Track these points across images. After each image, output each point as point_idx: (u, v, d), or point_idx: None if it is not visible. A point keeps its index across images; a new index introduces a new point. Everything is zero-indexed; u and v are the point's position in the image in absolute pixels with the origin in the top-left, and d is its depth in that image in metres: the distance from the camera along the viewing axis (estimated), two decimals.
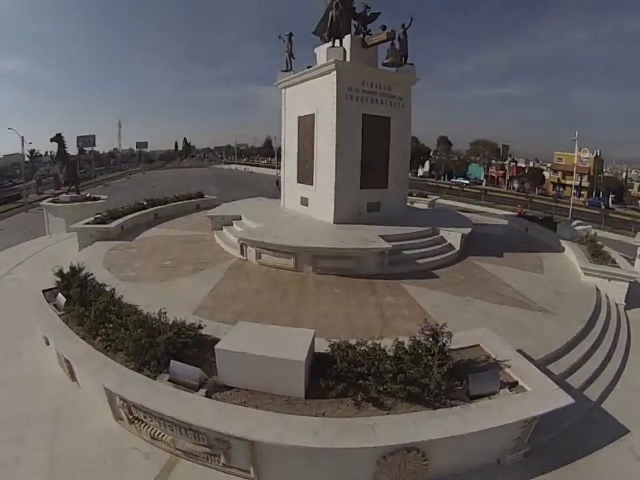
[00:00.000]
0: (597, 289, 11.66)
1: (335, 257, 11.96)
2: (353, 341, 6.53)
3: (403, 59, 15.76)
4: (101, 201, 22.41)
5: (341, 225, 14.30)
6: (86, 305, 7.84)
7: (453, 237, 14.29)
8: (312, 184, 15.63)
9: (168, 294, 10.09)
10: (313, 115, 15.16)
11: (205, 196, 24.56)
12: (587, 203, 60.81)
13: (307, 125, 15.74)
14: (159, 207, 20.73)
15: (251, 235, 13.09)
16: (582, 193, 68.84)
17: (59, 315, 8.08)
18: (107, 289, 8.94)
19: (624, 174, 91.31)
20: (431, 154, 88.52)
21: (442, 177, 79.90)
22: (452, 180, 75.34)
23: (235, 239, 13.29)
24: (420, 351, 6.13)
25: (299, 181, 16.62)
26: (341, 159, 14.10)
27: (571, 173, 73.37)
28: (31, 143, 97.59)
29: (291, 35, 17.09)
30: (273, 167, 70.38)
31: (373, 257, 11.93)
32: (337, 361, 6.02)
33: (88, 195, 24.23)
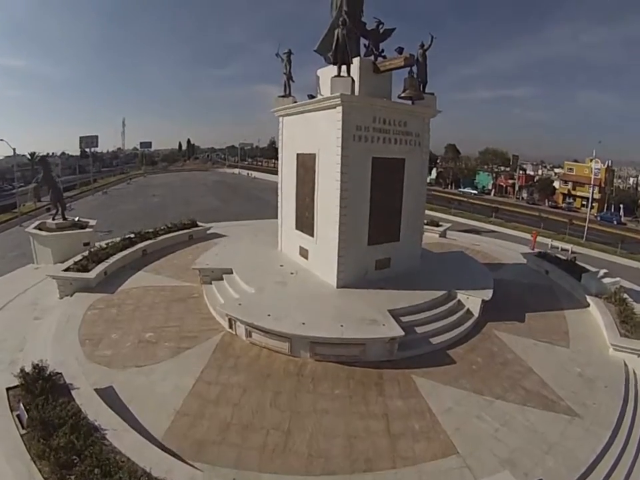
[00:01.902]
0: (625, 365, 10.81)
1: (336, 344, 10.15)
2: None
3: (422, 86, 13.59)
4: (88, 230, 20.76)
5: (345, 291, 12.59)
6: (48, 430, 6.71)
7: (472, 301, 12.70)
8: (312, 235, 13.82)
9: (144, 390, 8.79)
10: (314, 155, 13.31)
11: (199, 224, 22.88)
12: (598, 218, 58.65)
13: (307, 165, 13.88)
14: (148, 241, 19.13)
15: (240, 311, 11.14)
16: (593, 205, 66.60)
17: (22, 434, 6.86)
18: (76, 391, 7.96)
19: (631, 179, 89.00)
20: (438, 161, 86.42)
21: (449, 186, 77.86)
22: (460, 189, 73.37)
23: (224, 309, 11.58)
24: None
25: (297, 228, 14.83)
26: (346, 211, 12.26)
27: (582, 184, 71.61)
28: (24, 155, 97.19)
29: (290, 53, 14.99)
30: (277, 173, 68.35)
31: (381, 343, 10.17)
32: None
33: (77, 219, 22.55)
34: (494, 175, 78.95)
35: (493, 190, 77.09)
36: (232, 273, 13.99)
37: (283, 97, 15.38)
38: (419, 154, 13.88)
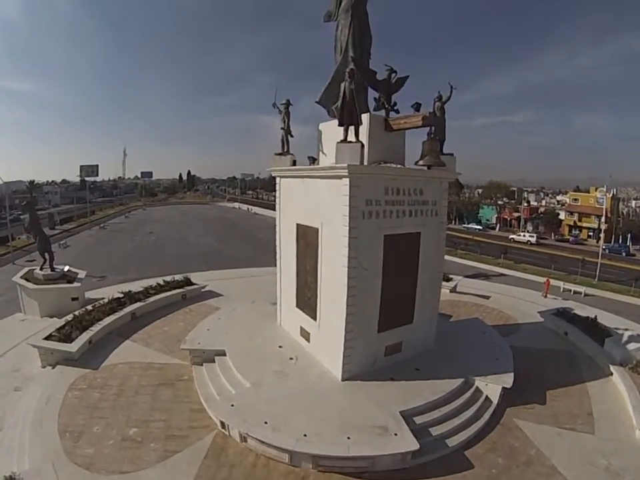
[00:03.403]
0: None
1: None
2: None
3: (440, 144, 12.03)
4: (76, 285, 19.50)
5: (351, 385, 10.97)
6: None
7: (491, 387, 11.47)
8: (315, 318, 12.12)
9: None
10: (317, 229, 11.65)
11: (193, 283, 21.28)
12: (607, 251, 56.95)
13: (308, 239, 12.25)
14: (138, 304, 17.80)
15: (233, 415, 9.65)
16: (600, 235, 65.01)
17: None
18: None
19: (633, 202, 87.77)
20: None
21: (453, 221, 76.41)
22: (464, 225, 71.90)
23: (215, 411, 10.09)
24: None
25: (298, 306, 13.15)
26: (354, 300, 10.59)
27: (588, 215, 70.36)
28: (22, 181, 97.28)
29: (288, 104, 13.74)
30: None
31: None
32: None
33: (66, 269, 21.36)
34: (498, 208, 77.72)
35: (498, 224, 75.63)
36: (225, 354, 12.45)
37: (280, 154, 13.88)
38: (436, 224, 12.24)
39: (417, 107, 11.49)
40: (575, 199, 74.93)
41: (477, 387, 11.69)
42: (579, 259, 36.78)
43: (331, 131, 11.70)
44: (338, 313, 10.82)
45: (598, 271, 34.73)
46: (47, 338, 13.32)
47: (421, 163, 11.25)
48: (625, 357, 13.45)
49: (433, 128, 11.56)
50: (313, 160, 12.06)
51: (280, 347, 13.05)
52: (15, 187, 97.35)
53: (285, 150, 13.90)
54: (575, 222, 71.37)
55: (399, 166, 11.01)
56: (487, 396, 11.51)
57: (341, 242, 10.36)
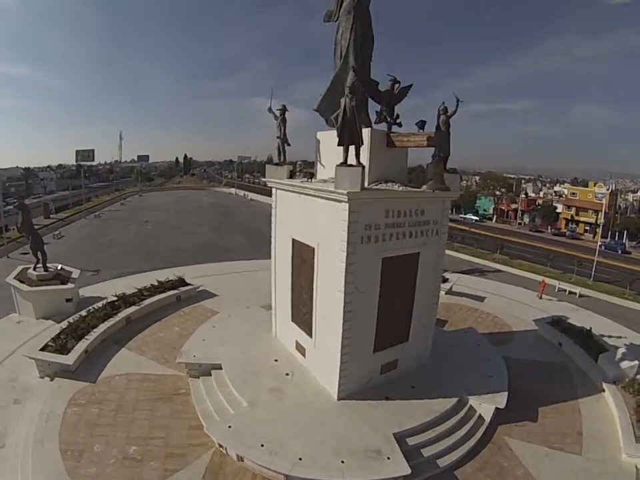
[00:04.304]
0: (637, 469, 10.22)
1: None
2: None
3: (444, 161, 11.40)
4: (70, 286, 19.34)
5: (347, 405, 11.03)
6: None
7: (485, 407, 11.61)
8: (310, 335, 12.04)
9: None
10: (313, 249, 11.40)
11: (188, 283, 21.12)
12: (603, 247, 57.12)
13: (303, 256, 12.03)
14: (132, 308, 17.68)
15: (231, 438, 9.72)
16: (596, 230, 65.04)
17: None
18: None
19: (631, 195, 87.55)
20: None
21: (451, 211, 76.09)
22: (461, 216, 71.69)
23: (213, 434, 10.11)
24: None
25: (293, 320, 13.05)
26: (350, 324, 10.49)
27: (585, 209, 70.40)
28: (18, 167, 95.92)
29: (284, 110, 13.14)
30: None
31: None
32: None
33: (59, 267, 21.17)
34: (495, 199, 77.43)
35: (495, 215, 75.49)
36: (221, 368, 12.48)
37: (276, 164, 13.38)
38: (436, 243, 12.00)
39: (422, 124, 10.98)
40: (573, 193, 74.77)
41: (471, 405, 11.77)
42: (574, 256, 36.79)
43: (329, 141, 11.31)
44: (333, 335, 10.74)
45: (593, 270, 34.73)
46: (43, 348, 13.18)
47: (425, 188, 10.77)
48: (617, 375, 13.51)
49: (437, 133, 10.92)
50: (311, 175, 11.57)
51: (275, 360, 13.03)
52: (10, 174, 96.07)
53: (282, 160, 13.36)
54: (572, 216, 71.39)
55: (401, 188, 10.60)
56: (480, 414, 11.66)
57: (338, 266, 10.16)
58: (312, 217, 11.42)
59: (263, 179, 15.02)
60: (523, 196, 77.95)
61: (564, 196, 79.49)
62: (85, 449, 10.01)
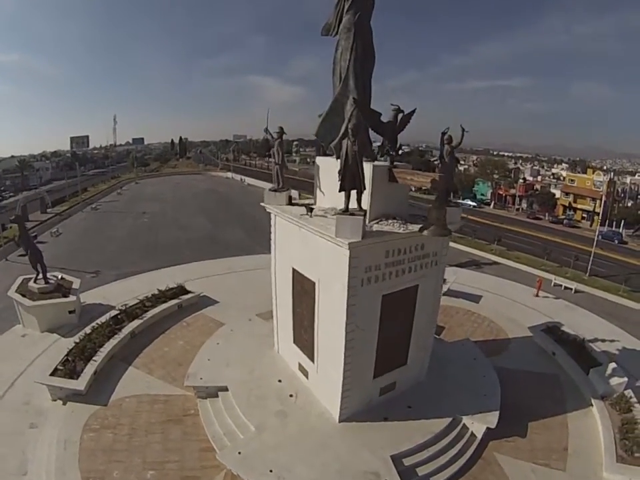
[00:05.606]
0: None
1: None
2: None
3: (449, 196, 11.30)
4: (72, 299, 19.51)
5: (348, 428, 11.62)
6: None
7: (477, 426, 12.17)
8: (312, 360, 12.50)
9: None
10: (314, 283, 11.60)
11: (189, 291, 21.37)
12: (600, 236, 57.43)
13: (304, 286, 12.20)
14: (136, 321, 18.01)
15: (241, 464, 10.26)
16: (594, 218, 65.26)
17: None
18: None
19: (628, 178, 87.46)
20: (436, 170, 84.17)
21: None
22: (459, 202, 71.61)
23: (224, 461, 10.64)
24: None
25: (295, 343, 13.48)
26: (351, 359, 10.91)
27: (584, 197, 70.43)
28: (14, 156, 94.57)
29: (282, 132, 12.67)
30: (270, 177, 66.28)
31: None
32: None
33: (60, 276, 21.35)
34: (493, 184, 77.27)
35: (493, 201, 75.49)
36: (227, 390, 13.01)
37: (275, 190, 12.98)
38: (435, 273, 12.21)
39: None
40: (572, 180, 74.80)
41: (464, 424, 12.30)
42: (572, 247, 36.91)
43: (329, 167, 11.38)
44: (335, 366, 11.18)
45: (590, 264, 35.06)
46: (53, 373, 13.52)
47: (426, 233, 10.31)
48: (607, 391, 13.81)
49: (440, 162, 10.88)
50: (310, 209, 11.55)
51: (279, 381, 13.52)
52: (5, 165, 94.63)
53: (280, 186, 13.06)
54: (570, 203, 71.50)
55: (402, 229, 10.60)
56: (472, 432, 12.14)
57: (339, 306, 10.42)
58: (312, 251, 11.42)
59: (260, 160, 14.67)
60: (521, 181, 77.84)
61: (562, 178, 79.39)
62: (105, 475, 10.45)
